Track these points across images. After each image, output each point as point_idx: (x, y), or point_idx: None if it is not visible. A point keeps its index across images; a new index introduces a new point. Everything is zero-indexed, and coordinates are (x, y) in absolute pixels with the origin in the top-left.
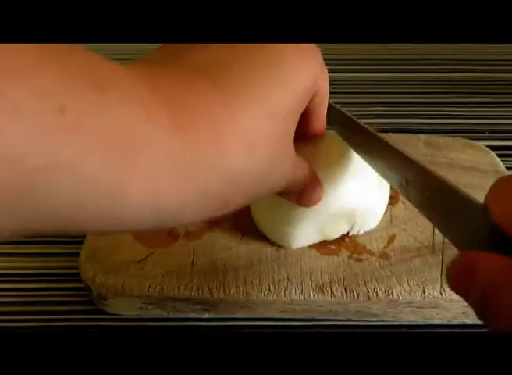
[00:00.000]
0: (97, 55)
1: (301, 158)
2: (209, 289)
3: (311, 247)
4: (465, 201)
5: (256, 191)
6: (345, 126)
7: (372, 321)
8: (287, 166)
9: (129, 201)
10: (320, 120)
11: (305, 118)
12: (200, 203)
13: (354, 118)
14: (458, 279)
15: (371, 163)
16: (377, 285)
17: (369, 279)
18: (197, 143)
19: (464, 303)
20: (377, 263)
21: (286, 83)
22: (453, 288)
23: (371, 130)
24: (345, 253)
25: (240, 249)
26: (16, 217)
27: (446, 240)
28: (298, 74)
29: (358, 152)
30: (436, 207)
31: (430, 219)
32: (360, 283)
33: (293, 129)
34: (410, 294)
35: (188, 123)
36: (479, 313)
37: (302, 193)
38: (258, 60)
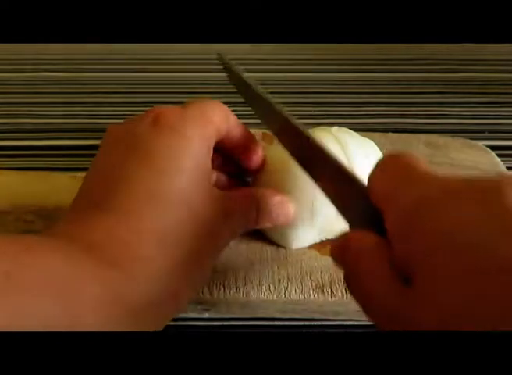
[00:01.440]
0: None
1: (240, 197)
2: (209, 289)
3: (311, 247)
4: (352, 183)
5: (202, 263)
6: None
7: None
8: (220, 223)
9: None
10: (253, 155)
11: (237, 155)
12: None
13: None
14: (335, 252)
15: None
16: None
17: None
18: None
19: None
20: None
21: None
22: (333, 259)
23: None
24: None
25: (240, 249)
26: None
27: None
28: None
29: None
30: (332, 190)
31: (330, 200)
32: None
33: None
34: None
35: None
36: (345, 281)
37: (268, 215)
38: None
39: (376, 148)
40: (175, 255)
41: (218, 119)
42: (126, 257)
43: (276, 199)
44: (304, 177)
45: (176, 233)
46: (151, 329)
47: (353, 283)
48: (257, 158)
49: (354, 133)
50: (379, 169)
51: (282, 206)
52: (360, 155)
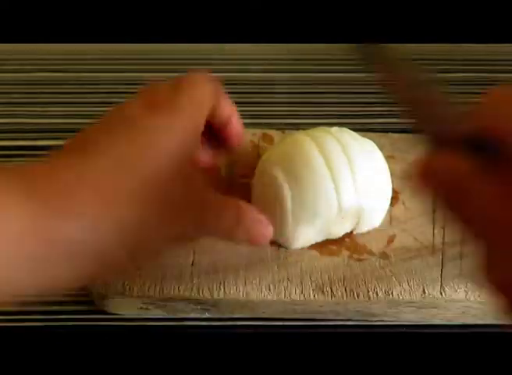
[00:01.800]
0: None
1: (224, 201)
2: (209, 289)
3: (311, 247)
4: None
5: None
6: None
7: (372, 321)
8: (192, 216)
9: None
10: (234, 130)
11: (221, 132)
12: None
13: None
14: (421, 180)
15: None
16: (377, 285)
17: (369, 279)
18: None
19: (464, 303)
20: (377, 263)
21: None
22: (417, 188)
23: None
24: (345, 253)
25: (240, 249)
26: None
27: (446, 240)
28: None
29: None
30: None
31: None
32: (360, 283)
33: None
34: (410, 294)
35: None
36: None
37: (247, 230)
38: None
39: (376, 147)
40: (123, 218)
41: (207, 98)
42: (71, 201)
43: (260, 218)
44: (305, 178)
45: (135, 201)
46: (63, 277)
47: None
48: (237, 133)
49: (354, 134)
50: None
51: (263, 226)
52: (361, 156)
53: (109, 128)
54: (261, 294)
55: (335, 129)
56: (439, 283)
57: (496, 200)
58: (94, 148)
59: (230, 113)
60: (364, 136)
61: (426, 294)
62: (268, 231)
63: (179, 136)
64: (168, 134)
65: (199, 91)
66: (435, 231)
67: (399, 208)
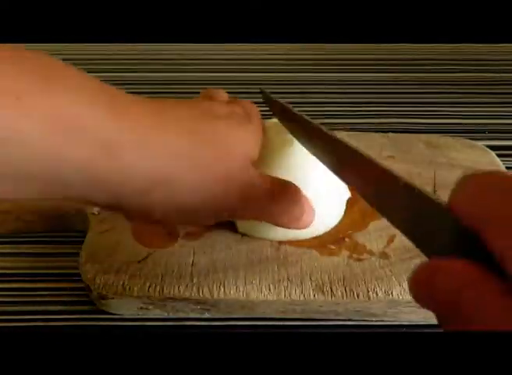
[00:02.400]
0: (49, 58)
1: (257, 175)
2: (209, 289)
3: (311, 247)
4: (424, 199)
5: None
6: (284, 116)
7: (372, 321)
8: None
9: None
10: None
11: None
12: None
13: (291, 108)
14: (418, 290)
15: (311, 151)
16: (377, 285)
17: (369, 279)
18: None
19: None
20: (377, 263)
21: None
22: (415, 299)
23: (308, 118)
24: (345, 253)
25: (240, 249)
26: None
27: None
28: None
29: (300, 142)
30: (389, 205)
31: (387, 217)
32: (360, 283)
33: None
34: (410, 294)
35: (124, 116)
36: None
37: (287, 214)
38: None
39: None
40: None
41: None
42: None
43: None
44: (297, 172)
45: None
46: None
47: (456, 323)
48: None
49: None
50: (461, 189)
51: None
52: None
53: (196, 122)
54: (261, 294)
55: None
56: None
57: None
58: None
59: None
60: (364, 136)
61: None
62: (311, 217)
63: (249, 149)
64: (242, 146)
65: (260, 121)
66: None
67: None
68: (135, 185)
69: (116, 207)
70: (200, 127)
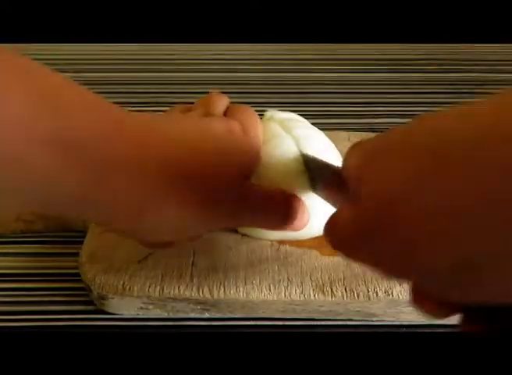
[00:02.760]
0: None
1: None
2: (209, 289)
3: (311, 247)
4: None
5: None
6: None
7: (372, 321)
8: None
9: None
10: None
11: None
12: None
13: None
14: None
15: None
16: (377, 285)
17: (369, 279)
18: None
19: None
20: None
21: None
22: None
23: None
24: None
25: (240, 249)
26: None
27: None
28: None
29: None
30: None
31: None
32: (360, 283)
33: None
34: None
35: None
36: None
37: (281, 220)
38: None
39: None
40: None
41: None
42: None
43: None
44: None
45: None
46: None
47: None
48: None
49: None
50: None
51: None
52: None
53: (200, 133)
54: (261, 294)
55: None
56: None
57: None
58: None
59: None
60: (363, 136)
61: None
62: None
63: (247, 159)
64: (238, 163)
65: (259, 130)
66: None
67: None
68: (126, 209)
69: (108, 227)
70: (199, 147)
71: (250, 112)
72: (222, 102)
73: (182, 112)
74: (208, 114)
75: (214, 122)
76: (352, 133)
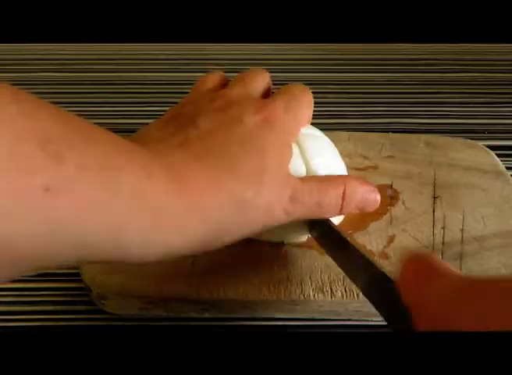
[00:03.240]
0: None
1: (305, 186)
2: (209, 289)
3: (311, 247)
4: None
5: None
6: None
7: (372, 321)
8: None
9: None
10: None
11: None
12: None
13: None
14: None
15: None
16: None
17: None
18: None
19: None
20: None
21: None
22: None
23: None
24: None
25: (239, 249)
26: None
27: (446, 240)
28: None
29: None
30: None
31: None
32: None
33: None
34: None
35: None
36: None
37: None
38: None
39: (331, 144)
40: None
41: (307, 119)
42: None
43: (366, 187)
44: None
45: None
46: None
47: None
48: None
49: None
50: (406, 268)
51: (371, 194)
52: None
53: (227, 132)
54: (260, 294)
55: None
56: None
57: None
58: (213, 152)
59: None
60: (363, 136)
61: None
62: (378, 197)
63: (281, 149)
64: (275, 148)
65: (304, 112)
66: (435, 231)
67: (399, 208)
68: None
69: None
70: (234, 159)
71: (301, 90)
72: (261, 80)
73: (175, 110)
74: (244, 92)
75: (245, 116)
76: (352, 133)
